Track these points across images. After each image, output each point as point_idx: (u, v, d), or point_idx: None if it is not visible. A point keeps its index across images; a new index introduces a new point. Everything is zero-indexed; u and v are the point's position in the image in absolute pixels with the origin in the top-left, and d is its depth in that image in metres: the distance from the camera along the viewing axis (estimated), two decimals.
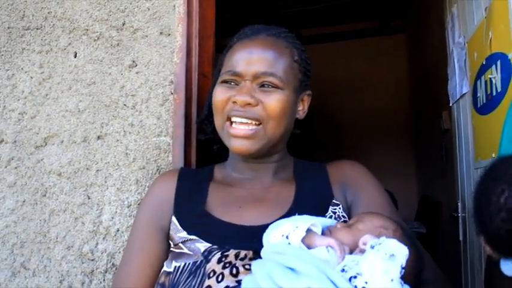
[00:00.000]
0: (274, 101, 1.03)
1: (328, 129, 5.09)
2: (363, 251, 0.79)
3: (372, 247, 0.77)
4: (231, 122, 1.04)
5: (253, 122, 1.03)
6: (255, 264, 0.81)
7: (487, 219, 0.72)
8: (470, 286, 1.82)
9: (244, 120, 1.03)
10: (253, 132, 1.03)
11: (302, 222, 0.83)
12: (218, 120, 1.08)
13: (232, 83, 1.06)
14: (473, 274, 1.77)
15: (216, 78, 1.15)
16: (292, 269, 0.75)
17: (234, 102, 1.02)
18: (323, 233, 0.85)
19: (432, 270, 0.98)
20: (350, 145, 5.04)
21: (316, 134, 5.01)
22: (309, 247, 0.80)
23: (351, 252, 0.81)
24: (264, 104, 1.03)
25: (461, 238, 1.98)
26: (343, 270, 0.75)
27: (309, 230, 0.83)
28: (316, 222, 0.86)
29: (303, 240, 0.80)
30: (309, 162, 1.19)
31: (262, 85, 1.04)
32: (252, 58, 1.04)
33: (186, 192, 1.09)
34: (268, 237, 0.85)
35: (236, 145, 1.04)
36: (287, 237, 0.81)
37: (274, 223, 0.88)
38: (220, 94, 1.06)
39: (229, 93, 1.05)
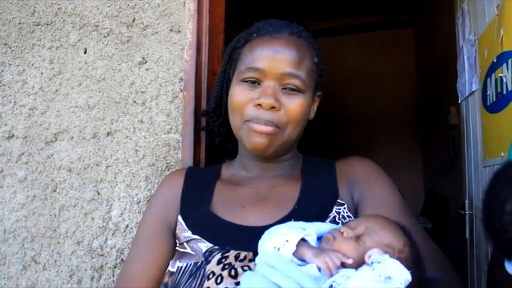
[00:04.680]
0: (296, 106, 1.01)
1: (335, 123, 5.08)
2: (370, 264, 0.76)
3: (371, 263, 0.74)
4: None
5: (273, 125, 1.00)
6: (244, 276, 0.81)
7: (500, 229, 0.68)
8: (476, 284, 1.82)
9: (265, 124, 1.00)
10: (274, 132, 1.00)
11: (294, 234, 0.81)
12: (237, 121, 1.05)
13: (254, 83, 1.02)
14: (480, 272, 1.77)
15: (225, 69, 1.13)
16: (278, 286, 0.73)
17: (258, 105, 0.99)
18: (327, 239, 0.83)
19: (444, 269, 0.94)
20: (357, 138, 5.04)
21: (322, 127, 5.00)
22: (301, 259, 0.78)
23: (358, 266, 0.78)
24: (286, 108, 1.01)
25: (467, 236, 1.99)
26: (331, 286, 0.72)
27: (303, 240, 0.81)
28: (311, 231, 0.83)
29: (295, 253, 0.78)
30: (318, 160, 1.16)
31: (284, 87, 1.02)
32: (276, 57, 1.01)
33: (192, 191, 1.08)
34: (262, 246, 0.83)
35: (255, 141, 1.01)
36: (278, 249, 0.79)
37: (269, 230, 0.86)
38: (240, 95, 1.03)
39: (251, 94, 1.02)
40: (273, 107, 0.99)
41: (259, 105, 0.99)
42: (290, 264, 0.77)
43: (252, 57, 1.03)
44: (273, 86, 1.00)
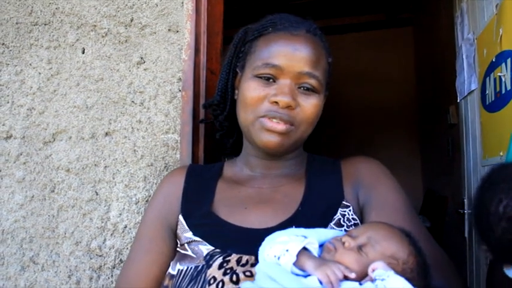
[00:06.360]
0: (311, 106, 1.00)
1: (334, 121, 5.06)
2: (373, 280, 0.73)
3: (375, 280, 0.72)
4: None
5: (288, 123, 0.98)
6: (244, 286, 0.80)
7: (488, 230, 0.68)
8: (475, 283, 1.82)
9: (281, 122, 0.98)
10: (288, 130, 0.98)
11: (294, 242, 0.78)
12: (249, 117, 1.01)
13: (269, 79, 0.99)
14: (479, 271, 1.77)
15: (230, 61, 1.10)
16: None
17: (275, 102, 0.97)
18: (328, 249, 0.80)
19: (447, 277, 0.91)
20: (356, 137, 5.03)
21: (321, 126, 4.99)
22: (302, 269, 0.76)
23: (360, 279, 0.75)
24: (302, 107, 0.99)
25: (466, 235, 1.98)
26: None
27: (304, 248, 0.78)
28: (312, 239, 0.80)
29: (296, 263, 0.76)
30: (323, 159, 1.13)
31: (300, 86, 0.99)
32: (295, 55, 0.98)
33: (193, 190, 1.06)
34: (262, 254, 0.81)
35: (267, 139, 0.98)
36: (279, 258, 0.76)
37: (269, 237, 0.83)
38: (255, 91, 0.99)
39: (266, 91, 0.98)
40: (289, 106, 0.97)
41: (276, 102, 0.97)
42: (290, 277, 0.74)
43: (268, 52, 1.00)
44: (289, 84, 0.98)
